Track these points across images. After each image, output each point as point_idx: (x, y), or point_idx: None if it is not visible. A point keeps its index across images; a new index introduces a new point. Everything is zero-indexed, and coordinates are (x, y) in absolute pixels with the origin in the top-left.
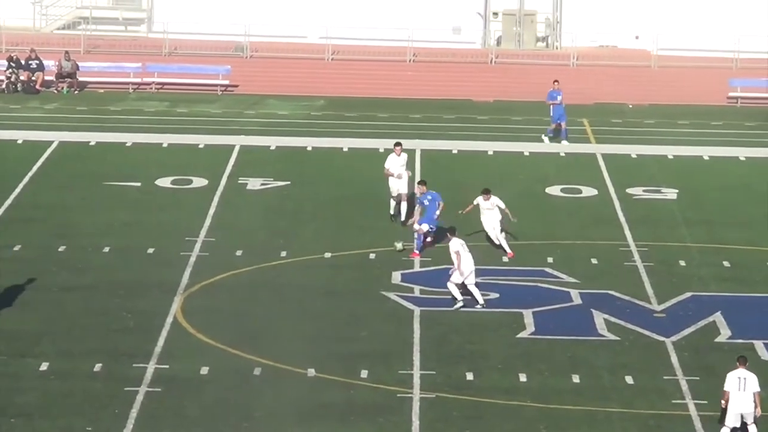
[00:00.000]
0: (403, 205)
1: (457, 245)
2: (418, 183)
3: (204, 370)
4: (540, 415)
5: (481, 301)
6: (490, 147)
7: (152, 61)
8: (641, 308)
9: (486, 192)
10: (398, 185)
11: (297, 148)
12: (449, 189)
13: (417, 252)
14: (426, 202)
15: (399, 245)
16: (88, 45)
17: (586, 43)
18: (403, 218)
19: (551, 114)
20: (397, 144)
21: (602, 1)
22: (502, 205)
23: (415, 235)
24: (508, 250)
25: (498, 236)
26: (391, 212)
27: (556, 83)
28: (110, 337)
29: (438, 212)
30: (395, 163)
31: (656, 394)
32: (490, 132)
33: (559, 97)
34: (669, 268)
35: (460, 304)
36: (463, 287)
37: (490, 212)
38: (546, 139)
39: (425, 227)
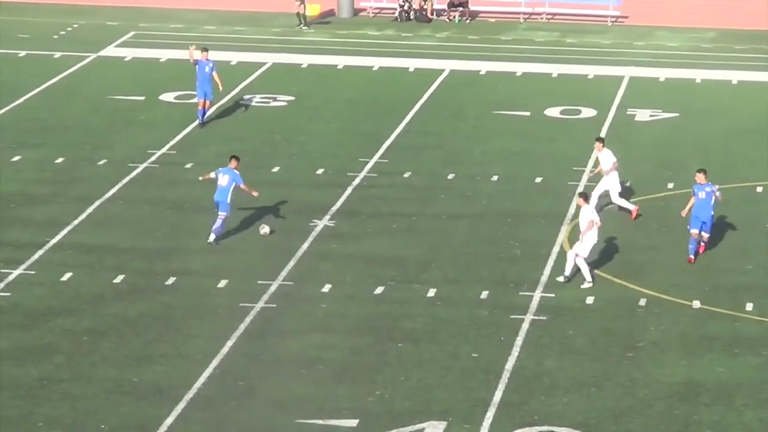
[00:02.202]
0: None
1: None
2: (697, 171)
3: (589, 300)
4: None
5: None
6: None
7: None
8: None
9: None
10: None
11: (686, 80)
12: None
13: (692, 257)
14: (702, 195)
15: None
16: None
17: None
18: None
19: None
20: None
21: None
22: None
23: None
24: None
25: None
26: None
27: None
28: (497, 265)
29: (713, 205)
30: None
31: None
32: None
33: None
34: None
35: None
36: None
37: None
38: None
39: (696, 232)
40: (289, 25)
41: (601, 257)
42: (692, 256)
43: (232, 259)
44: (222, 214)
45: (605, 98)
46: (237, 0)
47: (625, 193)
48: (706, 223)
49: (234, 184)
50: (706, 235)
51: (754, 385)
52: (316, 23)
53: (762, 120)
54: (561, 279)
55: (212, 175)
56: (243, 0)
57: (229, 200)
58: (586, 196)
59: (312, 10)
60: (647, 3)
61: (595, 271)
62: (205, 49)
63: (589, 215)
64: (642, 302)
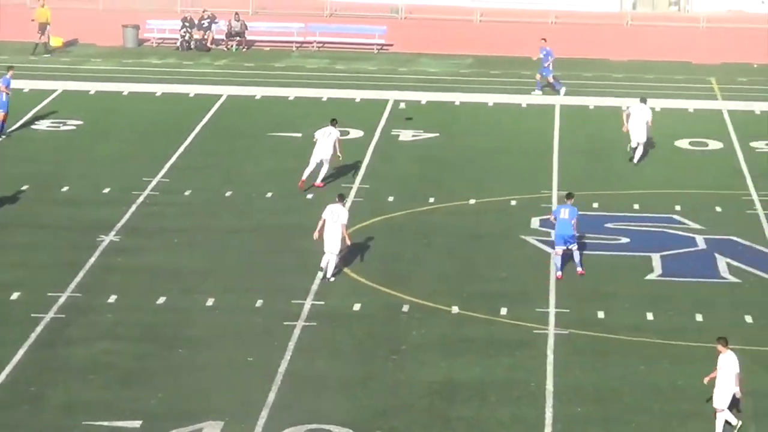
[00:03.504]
0: None
1: (326, 212)
2: (566, 196)
3: (356, 307)
4: (664, 351)
5: (328, 275)
6: (624, 103)
7: (314, 21)
8: (761, 253)
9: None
10: None
11: (446, 102)
12: (588, 141)
13: (559, 274)
14: (561, 215)
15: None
16: (256, 6)
17: (715, 7)
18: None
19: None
20: None
21: None
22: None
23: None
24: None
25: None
26: None
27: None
28: (271, 276)
29: (574, 224)
30: None
31: None
32: (625, 90)
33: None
34: None
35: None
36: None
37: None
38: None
39: (560, 250)
40: (78, 55)
41: (368, 267)
42: (560, 273)
43: (24, 272)
44: None
45: (371, 120)
46: (30, 33)
47: (389, 208)
48: (568, 240)
49: None
50: (574, 247)
51: (507, 383)
52: (60, 52)
53: (515, 139)
54: (332, 279)
55: None
56: (34, 33)
57: None
58: (342, 197)
59: (55, 42)
60: (411, 32)
61: (362, 280)
62: (11, 67)
63: (325, 214)
64: (405, 308)
